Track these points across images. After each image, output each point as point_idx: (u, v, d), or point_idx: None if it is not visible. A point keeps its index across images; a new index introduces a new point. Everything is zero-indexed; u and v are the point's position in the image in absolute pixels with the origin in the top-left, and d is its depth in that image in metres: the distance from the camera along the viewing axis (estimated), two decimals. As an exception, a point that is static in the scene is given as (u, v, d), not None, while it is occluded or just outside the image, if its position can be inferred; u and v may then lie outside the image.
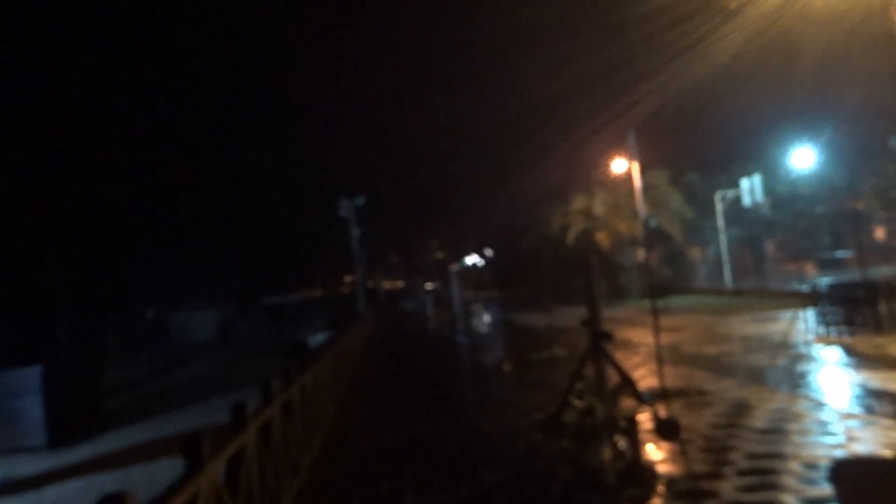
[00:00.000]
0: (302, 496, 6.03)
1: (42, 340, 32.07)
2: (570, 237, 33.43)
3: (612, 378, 6.71)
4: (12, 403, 14.98)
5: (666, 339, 15.31)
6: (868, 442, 6.12)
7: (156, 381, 27.92)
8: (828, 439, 6.29)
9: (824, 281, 16.47)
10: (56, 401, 15.33)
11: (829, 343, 12.87)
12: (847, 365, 10.52)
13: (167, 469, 11.21)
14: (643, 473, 5.61)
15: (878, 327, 13.28)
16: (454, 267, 39.41)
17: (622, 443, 6.31)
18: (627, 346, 15.25)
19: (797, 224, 28.36)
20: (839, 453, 5.80)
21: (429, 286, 59.85)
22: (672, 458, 6.22)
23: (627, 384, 6.45)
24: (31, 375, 15.17)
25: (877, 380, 9.09)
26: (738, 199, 31.59)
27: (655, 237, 33.26)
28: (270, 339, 42.52)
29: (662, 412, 7.32)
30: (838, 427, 6.65)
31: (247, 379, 20.01)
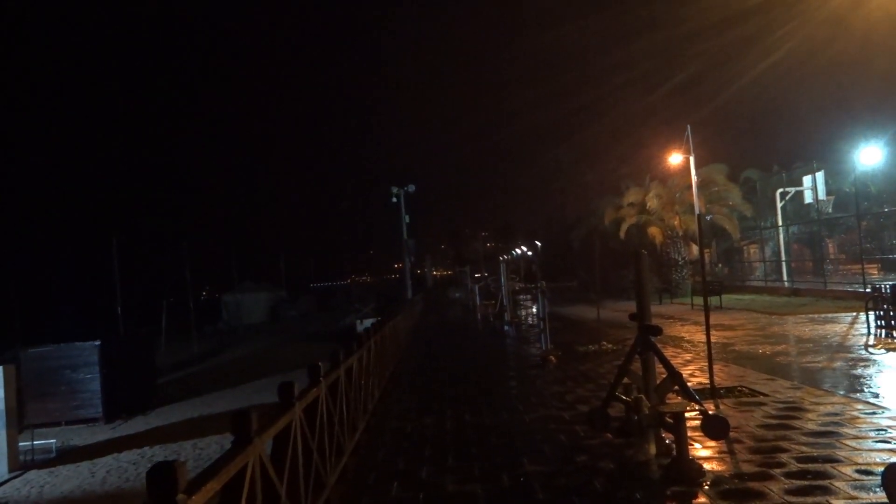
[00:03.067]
0: (345, 477, 6.12)
1: (102, 317, 33.24)
2: (623, 230, 32.97)
3: (661, 374, 6.60)
4: (71, 376, 15.59)
5: (718, 337, 15.02)
6: (928, 450, 5.89)
7: (207, 360, 28.67)
8: (884, 445, 6.07)
9: (888, 283, 15.85)
10: (112, 375, 15.89)
11: (890, 347, 12.41)
12: (908, 370, 10.12)
13: (216, 444, 11.55)
14: (688, 471, 5.50)
15: (943, 333, 12.75)
16: (503, 257, 39.30)
17: (668, 439, 6.21)
18: (678, 342, 15.00)
19: (861, 223, 27.32)
20: (895, 460, 5.60)
21: (477, 276, 59.80)
22: (719, 456, 6.10)
23: (675, 380, 6.33)
24: (89, 350, 15.76)
25: (940, 387, 8.74)
26: (798, 196, 30.65)
27: (711, 233, 32.54)
28: (319, 323, 43.19)
29: (711, 410, 7.18)
30: (896, 433, 6.42)
31: (295, 361, 20.40)
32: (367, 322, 22.24)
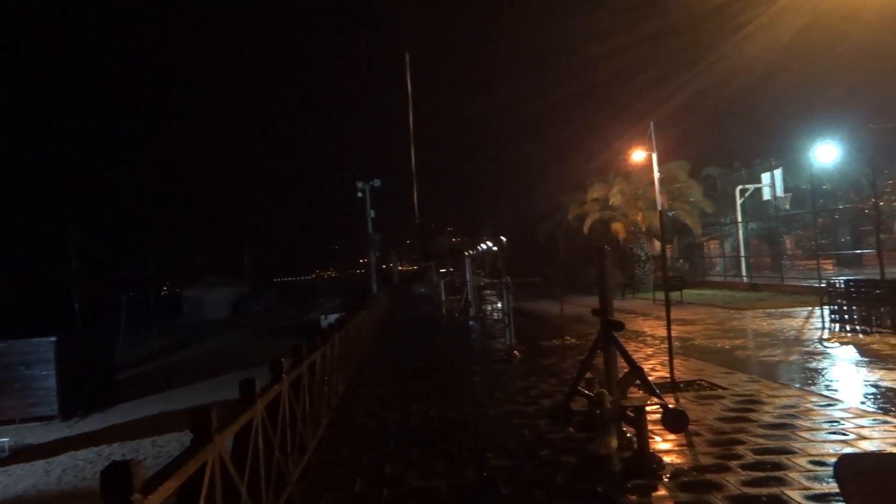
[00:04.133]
0: (308, 473, 6.07)
1: (59, 312, 32.49)
2: (586, 226, 33.27)
3: (622, 368, 6.68)
4: (25, 373, 15.21)
5: (679, 331, 15.26)
6: (878, 441, 6.07)
7: (168, 356, 28.23)
8: (837, 437, 6.24)
9: (842, 278, 16.28)
10: (69, 372, 15.54)
11: (844, 341, 12.75)
12: (861, 363, 10.42)
13: (176, 442, 11.38)
14: (649, 464, 5.59)
15: (894, 327, 13.15)
16: (468, 253, 39.39)
17: (629, 433, 6.30)
18: (640, 337, 15.21)
19: (817, 220, 28.03)
20: (848, 451, 5.75)
21: (443, 271, 59.83)
22: (679, 449, 6.20)
23: (637, 374, 6.42)
24: (45, 346, 15.38)
25: (890, 379, 9.01)
26: (757, 193, 31.30)
27: (672, 229, 33.04)
28: (283, 318, 42.83)
29: (671, 404, 7.29)
30: (849, 425, 6.60)
31: (258, 356, 20.18)
32: (332, 317, 22.14)
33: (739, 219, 32.08)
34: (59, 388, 15.28)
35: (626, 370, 6.52)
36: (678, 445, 6.31)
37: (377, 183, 38.97)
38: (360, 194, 39.05)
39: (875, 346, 11.78)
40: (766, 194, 30.06)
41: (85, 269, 35.40)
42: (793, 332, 14.50)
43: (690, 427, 6.51)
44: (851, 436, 6.23)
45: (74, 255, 33.93)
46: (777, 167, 28.86)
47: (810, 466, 5.40)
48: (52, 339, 15.51)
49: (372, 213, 38.91)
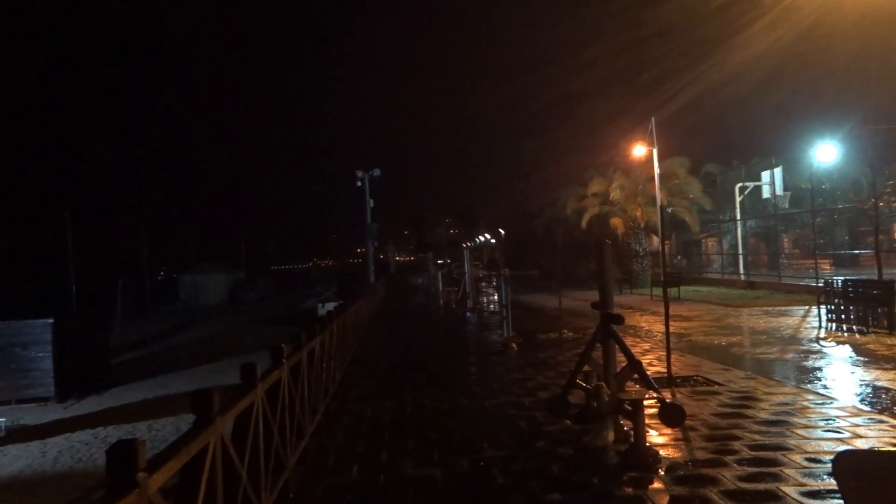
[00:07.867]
0: (305, 459, 6.09)
1: (55, 295, 32.44)
2: (585, 220, 33.23)
3: (621, 362, 6.70)
4: (22, 354, 15.18)
5: (676, 327, 15.28)
6: (873, 439, 6.10)
7: (163, 341, 28.21)
8: (832, 435, 6.26)
9: (839, 278, 16.31)
10: (65, 354, 15.51)
11: (840, 340, 12.79)
12: (857, 363, 10.46)
13: (172, 426, 11.39)
14: (645, 457, 5.61)
15: (891, 327, 13.19)
16: (466, 244, 39.36)
17: (626, 426, 6.31)
18: (637, 332, 15.24)
19: (815, 219, 28.07)
20: (843, 448, 5.78)
21: (440, 262, 59.85)
22: (675, 443, 6.22)
23: (635, 368, 6.43)
24: (41, 328, 15.35)
25: (886, 379, 9.04)
26: (756, 191, 31.30)
27: (671, 225, 33.04)
28: (279, 306, 42.79)
29: (668, 398, 7.32)
30: (844, 423, 6.62)
31: (254, 343, 20.22)
32: (329, 306, 22.14)
33: (738, 216, 32.08)
34: (56, 369, 15.27)
35: (625, 364, 6.53)
36: (674, 440, 6.34)
37: (377, 172, 38.84)
38: (359, 183, 38.93)
39: (871, 346, 11.82)
40: (766, 192, 30.08)
41: (81, 253, 35.35)
42: (789, 331, 14.53)
43: (687, 422, 6.53)
44: (847, 434, 6.26)
45: (70, 237, 33.85)
46: (777, 166, 28.87)
47: (806, 463, 5.43)
48: (49, 321, 15.48)
49: (371, 203, 38.80)
